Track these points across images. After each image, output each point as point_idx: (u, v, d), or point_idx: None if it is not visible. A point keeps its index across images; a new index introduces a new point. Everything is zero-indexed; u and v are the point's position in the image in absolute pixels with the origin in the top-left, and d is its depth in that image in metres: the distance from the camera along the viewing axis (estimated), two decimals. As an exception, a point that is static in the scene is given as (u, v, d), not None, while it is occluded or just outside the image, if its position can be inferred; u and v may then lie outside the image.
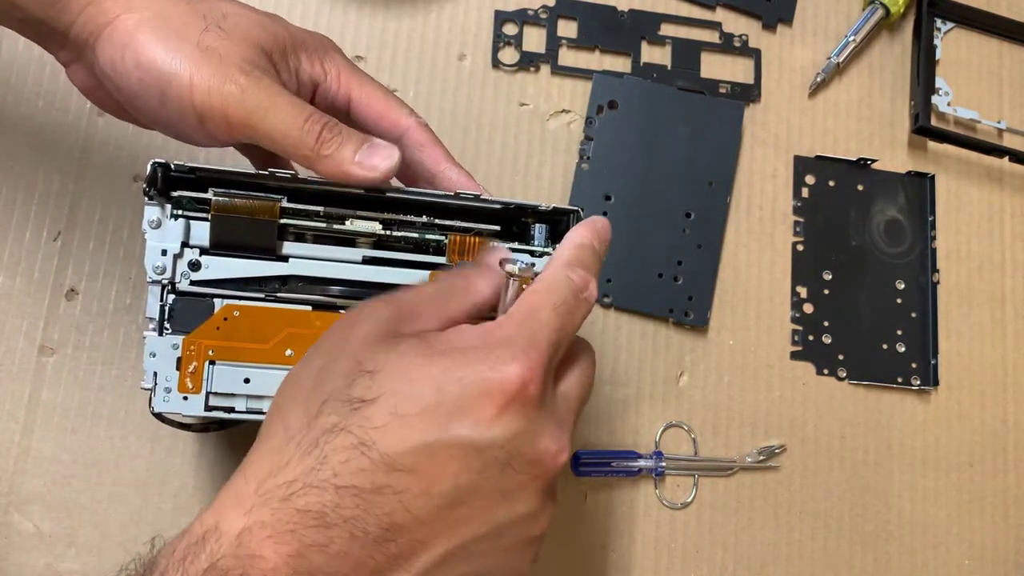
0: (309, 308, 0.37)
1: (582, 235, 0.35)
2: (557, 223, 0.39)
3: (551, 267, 0.34)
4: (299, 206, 0.36)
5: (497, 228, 0.38)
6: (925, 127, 0.58)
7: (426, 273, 0.38)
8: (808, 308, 0.56)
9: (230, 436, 0.47)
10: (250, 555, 0.27)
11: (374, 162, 0.36)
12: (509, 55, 0.56)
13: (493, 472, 0.29)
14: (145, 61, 0.34)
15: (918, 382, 0.56)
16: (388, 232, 0.37)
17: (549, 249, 0.39)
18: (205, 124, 0.35)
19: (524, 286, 0.34)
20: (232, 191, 0.35)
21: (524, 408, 0.29)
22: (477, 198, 0.38)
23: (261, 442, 0.30)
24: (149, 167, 0.35)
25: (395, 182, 0.37)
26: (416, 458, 0.28)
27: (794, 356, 0.55)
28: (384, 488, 0.28)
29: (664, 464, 0.51)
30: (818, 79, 0.58)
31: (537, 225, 0.39)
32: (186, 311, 0.36)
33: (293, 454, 0.28)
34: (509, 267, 0.34)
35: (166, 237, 0.36)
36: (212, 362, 0.36)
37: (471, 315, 0.34)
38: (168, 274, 0.36)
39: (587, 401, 0.34)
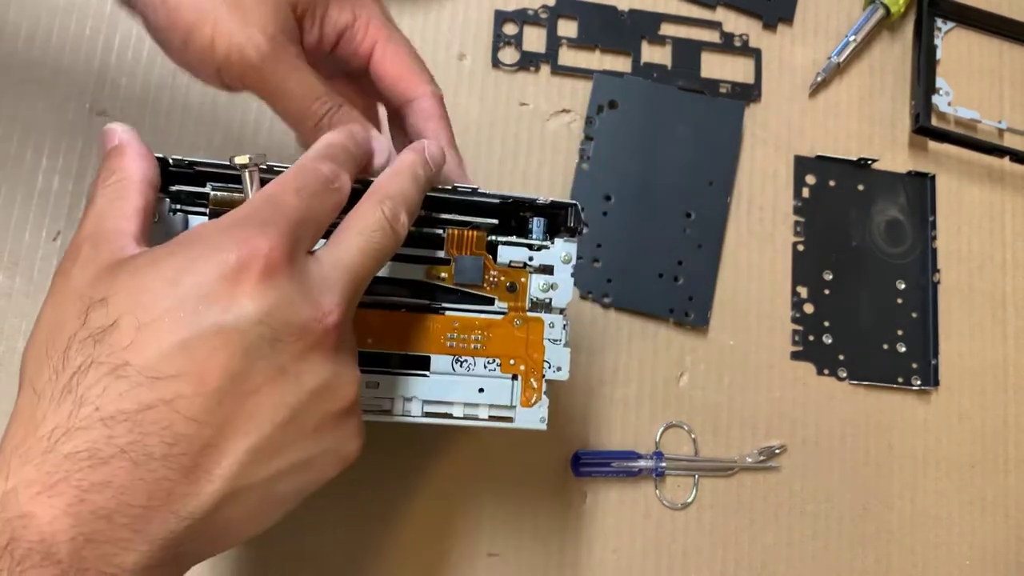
0: None
1: (335, 135, 0.34)
2: (555, 217, 0.39)
3: (302, 159, 0.32)
4: None
5: (495, 222, 0.38)
6: (925, 127, 0.58)
7: (422, 268, 0.38)
8: (808, 308, 0.56)
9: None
10: (18, 516, 0.25)
11: None
12: (509, 55, 0.56)
13: (262, 350, 0.27)
14: (171, 2, 0.34)
15: (918, 382, 0.56)
16: None
17: (548, 243, 0.39)
18: (222, 76, 0.35)
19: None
20: (230, 185, 0.35)
21: (271, 279, 0.28)
22: (475, 192, 0.38)
23: (13, 416, 0.28)
24: None
25: None
26: (176, 361, 0.26)
27: (794, 356, 0.55)
28: (153, 403, 0.26)
29: (664, 464, 0.51)
30: (818, 79, 0.58)
31: (535, 219, 0.39)
32: None
33: (47, 408, 0.26)
34: (239, 159, 0.32)
35: (164, 232, 0.36)
36: None
37: (148, 199, 0.32)
38: None
39: (373, 265, 0.32)
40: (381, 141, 0.37)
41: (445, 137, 0.40)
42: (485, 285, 0.38)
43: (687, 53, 0.58)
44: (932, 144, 0.60)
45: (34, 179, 0.49)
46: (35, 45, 0.51)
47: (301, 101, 0.36)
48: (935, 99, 0.59)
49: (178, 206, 0.36)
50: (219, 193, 0.35)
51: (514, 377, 0.38)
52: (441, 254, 0.38)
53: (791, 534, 0.52)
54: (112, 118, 0.51)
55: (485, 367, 0.38)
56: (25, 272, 0.48)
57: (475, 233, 0.38)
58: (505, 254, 0.39)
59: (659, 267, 0.54)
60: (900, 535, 0.54)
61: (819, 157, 0.58)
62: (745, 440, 0.53)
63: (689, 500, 0.52)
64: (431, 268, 0.38)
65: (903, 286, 0.57)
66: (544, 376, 0.38)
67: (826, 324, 0.56)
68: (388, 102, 0.42)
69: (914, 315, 0.57)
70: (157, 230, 0.35)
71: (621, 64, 0.57)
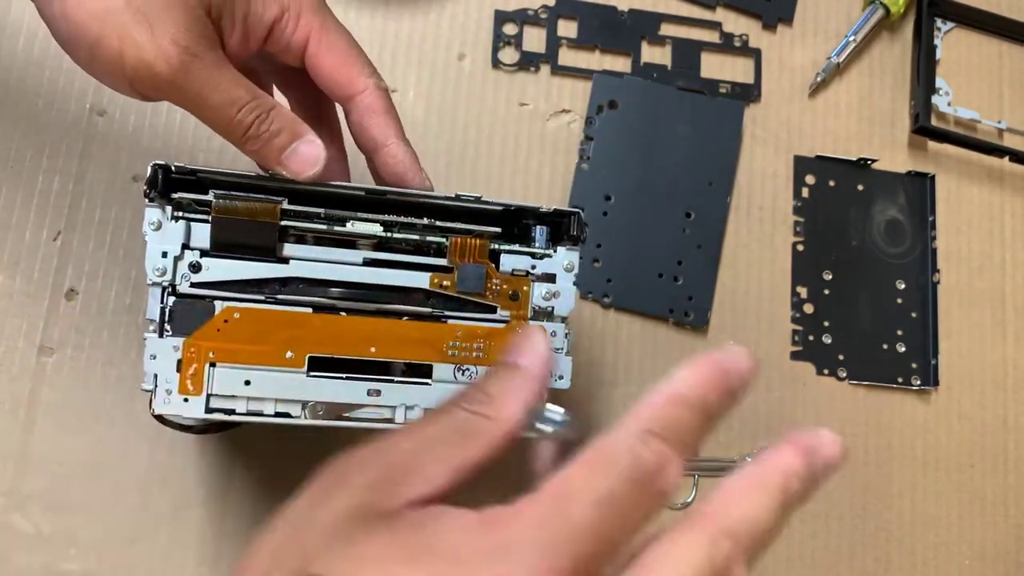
0: (309, 310, 0.37)
1: (684, 380, 0.23)
2: (558, 225, 0.39)
3: (618, 427, 0.23)
4: (300, 208, 0.36)
5: (498, 230, 0.38)
6: (925, 127, 0.58)
7: (425, 276, 0.38)
8: (808, 308, 0.56)
9: (231, 437, 0.47)
10: None
11: (294, 168, 0.35)
12: (509, 55, 0.56)
13: None
14: (71, 14, 0.31)
15: (918, 382, 0.56)
16: (389, 234, 0.37)
17: (550, 251, 0.39)
18: (135, 88, 0.33)
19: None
20: (233, 193, 0.35)
21: None
22: (478, 200, 0.38)
23: None
24: (150, 169, 0.34)
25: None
26: None
27: (794, 356, 0.55)
28: None
29: (664, 464, 0.51)
30: (818, 79, 0.58)
31: (538, 227, 0.39)
32: (186, 313, 0.36)
33: None
34: (540, 426, 0.25)
35: (167, 239, 0.36)
36: (213, 364, 0.36)
37: (488, 460, 0.24)
38: (168, 276, 0.35)
39: None
40: (314, 146, 0.35)
41: (393, 132, 0.37)
42: (487, 293, 0.38)
43: (687, 53, 0.58)
44: (932, 144, 0.60)
45: (34, 179, 0.49)
46: (35, 45, 0.51)
47: (223, 112, 0.33)
48: (935, 99, 0.59)
49: (180, 213, 0.36)
50: (222, 201, 0.35)
51: None
52: (444, 262, 0.38)
53: (791, 534, 0.53)
54: (112, 118, 0.51)
55: None
56: (25, 272, 0.48)
57: (478, 241, 0.38)
58: (507, 262, 0.39)
59: (659, 267, 0.54)
60: (900, 535, 0.54)
61: (819, 157, 0.58)
62: (745, 440, 0.53)
63: (689, 500, 0.52)
64: (434, 276, 0.38)
65: (903, 286, 0.57)
66: None
67: (826, 324, 0.56)
68: (329, 98, 0.38)
69: (914, 315, 0.57)
70: (157, 237, 0.35)
71: (621, 64, 0.57)
